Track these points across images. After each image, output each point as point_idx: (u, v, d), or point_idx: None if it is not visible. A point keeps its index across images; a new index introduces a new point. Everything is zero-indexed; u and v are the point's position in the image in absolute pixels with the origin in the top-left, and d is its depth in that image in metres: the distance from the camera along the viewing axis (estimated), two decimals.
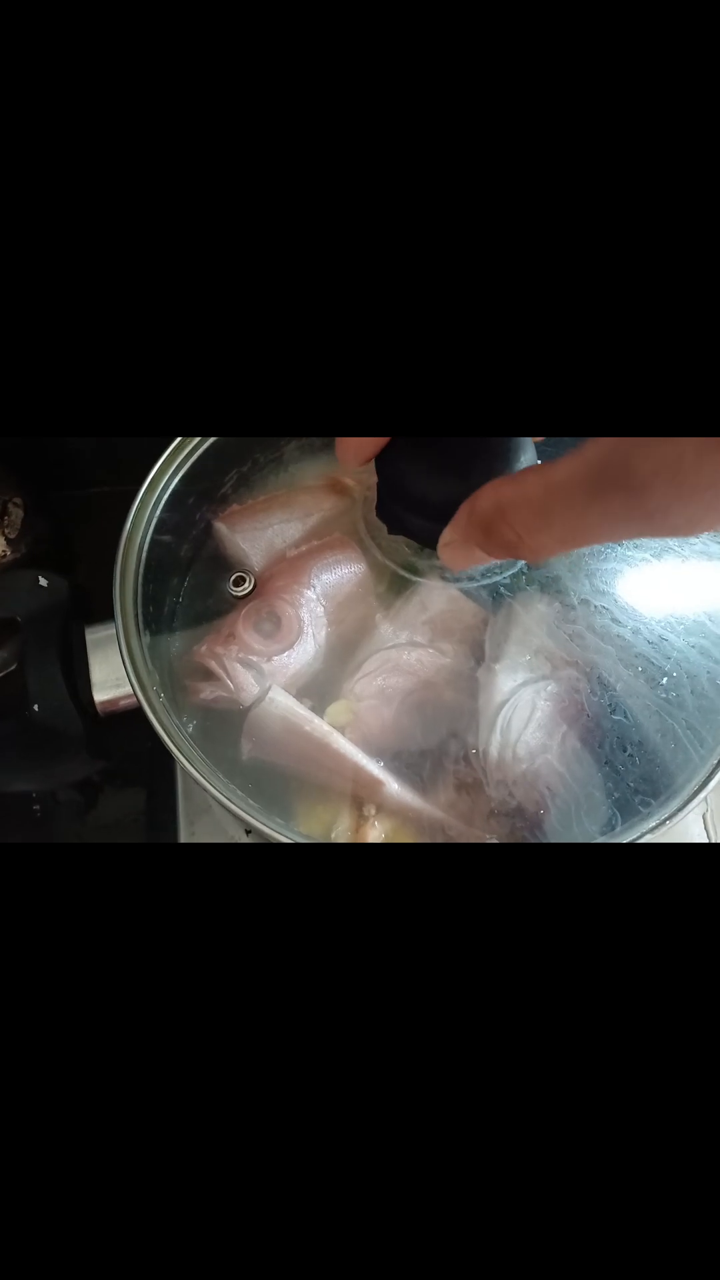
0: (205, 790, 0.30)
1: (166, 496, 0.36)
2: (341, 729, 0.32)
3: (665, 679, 0.32)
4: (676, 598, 0.34)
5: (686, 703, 0.32)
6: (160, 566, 0.35)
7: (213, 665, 0.32)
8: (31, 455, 0.51)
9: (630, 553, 0.34)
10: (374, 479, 0.30)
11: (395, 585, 0.34)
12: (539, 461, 0.30)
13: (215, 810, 0.39)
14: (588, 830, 0.31)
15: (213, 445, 0.37)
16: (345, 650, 0.33)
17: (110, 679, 0.35)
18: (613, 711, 0.32)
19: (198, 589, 0.35)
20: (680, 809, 0.30)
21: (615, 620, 0.33)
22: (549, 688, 0.32)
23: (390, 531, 0.32)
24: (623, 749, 0.31)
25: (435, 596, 0.33)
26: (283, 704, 0.32)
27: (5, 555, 0.47)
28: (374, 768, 0.31)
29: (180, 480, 0.37)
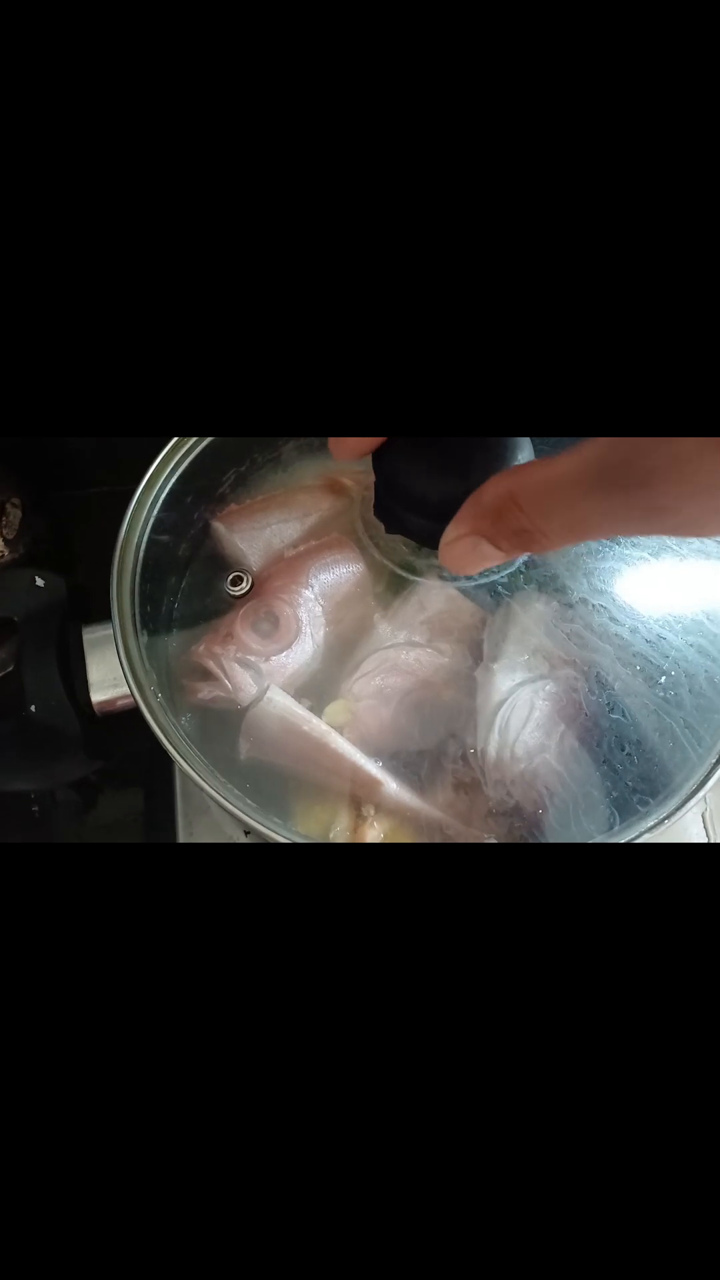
0: (203, 791, 0.30)
1: (164, 496, 0.36)
2: (340, 729, 0.32)
3: (663, 678, 0.32)
4: (674, 596, 0.34)
5: (684, 702, 0.32)
6: (158, 566, 0.35)
7: (210, 665, 0.32)
8: (31, 455, 0.51)
9: (628, 551, 0.34)
10: (372, 478, 0.30)
11: (393, 585, 0.34)
12: (536, 458, 0.30)
13: (214, 810, 0.39)
14: (586, 830, 0.31)
15: (211, 445, 0.37)
16: (343, 650, 0.33)
17: (108, 679, 0.35)
18: (611, 711, 0.32)
19: (195, 589, 0.35)
20: (679, 808, 0.30)
21: (613, 619, 0.33)
22: (547, 687, 0.32)
23: (388, 530, 0.32)
24: (621, 748, 0.31)
25: (433, 596, 0.33)
26: (281, 704, 0.32)
27: (3, 555, 0.47)
28: (372, 767, 0.31)
29: (178, 480, 0.37)
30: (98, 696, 0.35)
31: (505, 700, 0.32)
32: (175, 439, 0.37)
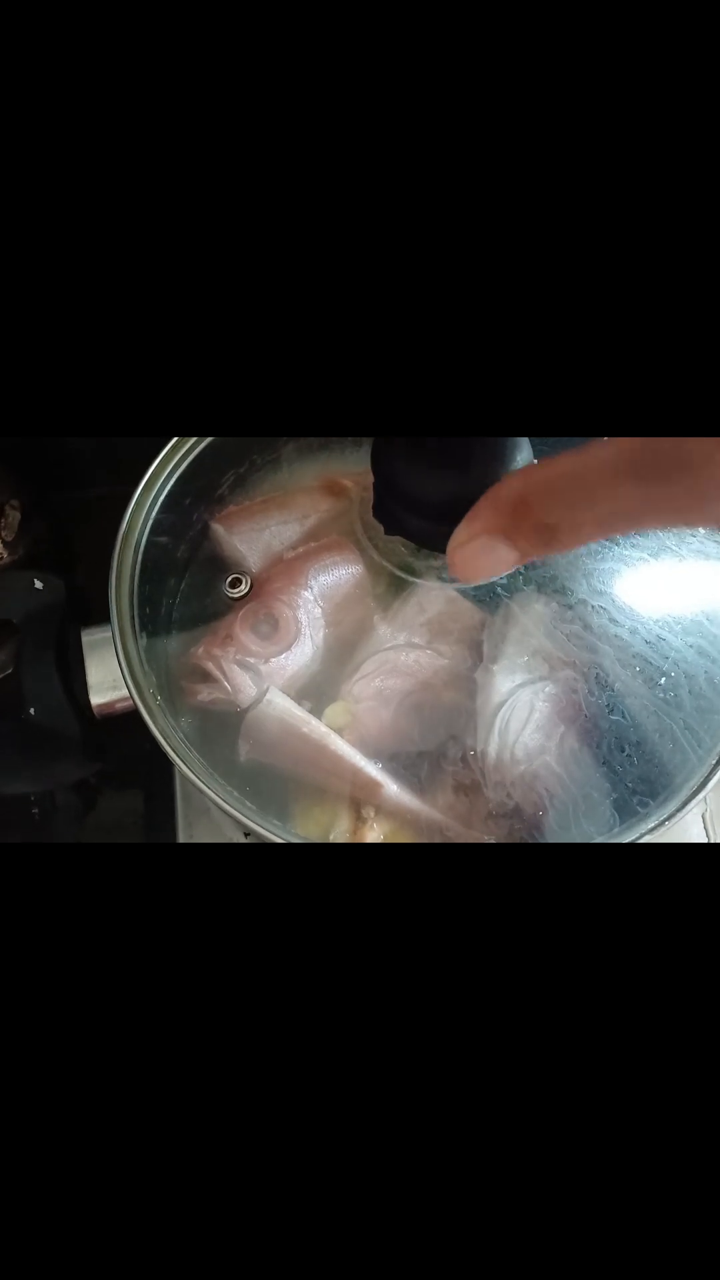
0: (203, 793, 0.30)
1: (163, 498, 0.36)
2: (339, 730, 0.32)
3: (663, 679, 0.32)
4: (674, 597, 0.34)
5: (684, 703, 0.32)
6: (157, 568, 0.35)
7: (210, 667, 0.32)
8: (31, 456, 0.51)
9: (627, 552, 0.34)
10: (371, 479, 0.30)
11: (393, 586, 0.34)
12: (535, 460, 0.30)
13: (214, 813, 0.39)
14: (586, 832, 0.30)
15: (210, 446, 0.37)
16: (343, 652, 0.33)
17: (107, 681, 0.35)
18: (611, 712, 0.32)
19: (195, 590, 0.35)
20: (679, 810, 0.30)
21: (613, 620, 0.33)
22: (547, 688, 0.32)
23: (387, 532, 0.32)
24: (621, 750, 0.31)
25: (433, 598, 0.33)
26: (280, 706, 0.32)
27: (2, 557, 0.47)
28: (372, 769, 0.31)
29: (177, 481, 0.37)
30: (97, 699, 0.35)
31: (505, 702, 0.32)
32: (174, 441, 0.37)
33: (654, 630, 0.32)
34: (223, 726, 0.32)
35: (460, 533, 0.23)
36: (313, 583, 0.34)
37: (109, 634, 0.33)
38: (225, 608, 0.34)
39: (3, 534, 0.47)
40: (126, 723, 0.33)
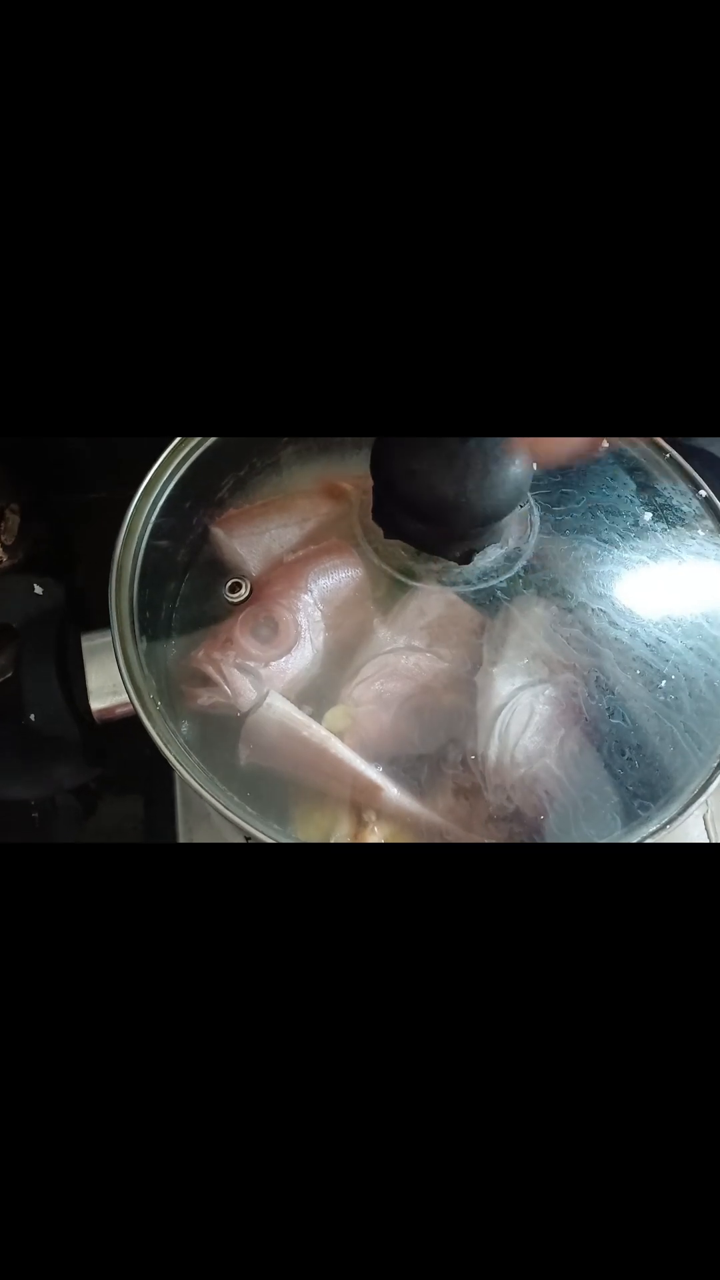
0: (203, 798, 0.30)
1: (163, 502, 0.36)
2: (340, 734, 0.31)
3: (664, 682, 0.32)
4: (674, 600, 0.34)
5: (684, 706, 0.32)
6: (157, 572, 0.35)
7: (210, 671, 0.32)
8: (31, 458, 0.51)
9: (627, 555, 0.34)
10: (370, 483, 0.30)
11: (393, 589, 0.34)
12: (534, 465, 0.30)
13: (214, 817, 0.39)
14: (587, 835, 0.30)
15: (209, 450, 0.37)
16: (343, 655, 0.33)
17: (107, 686, 0.35)
18: (611, 715, 0.32)
19: (194, 594, 0.35)
20: (680, 813, 0.30)
21: (613, 623, 0.33)
22: (547, 691, 0.32)
23: (386, 535, 0.32)
24: (621, 753, 0.31)
25: (433, 601, 0.33)
26: (280, 709, 0.32)
27: (2, 561, 0.47)
28: (372, 773, 0.31)
29: (176, 485, 0.37)
30: (97, 704, 0.35)
31: (505, 705, 0.32)
32: (174, 443, 0.37)
33: (654, 633, 0.32)
34: (223, 731, 0.32)
35: None
36: (313, 586, 0.34)
37: (109, 639, 0.33)
38: (225, 612, 0.34)
39: (2, 538, 0.47)
40: (126, 727, 0.33)
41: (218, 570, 0.36)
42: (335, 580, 0.34)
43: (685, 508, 0.36)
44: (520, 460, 0.28)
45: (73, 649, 0.36)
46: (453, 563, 0.33)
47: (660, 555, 0.34)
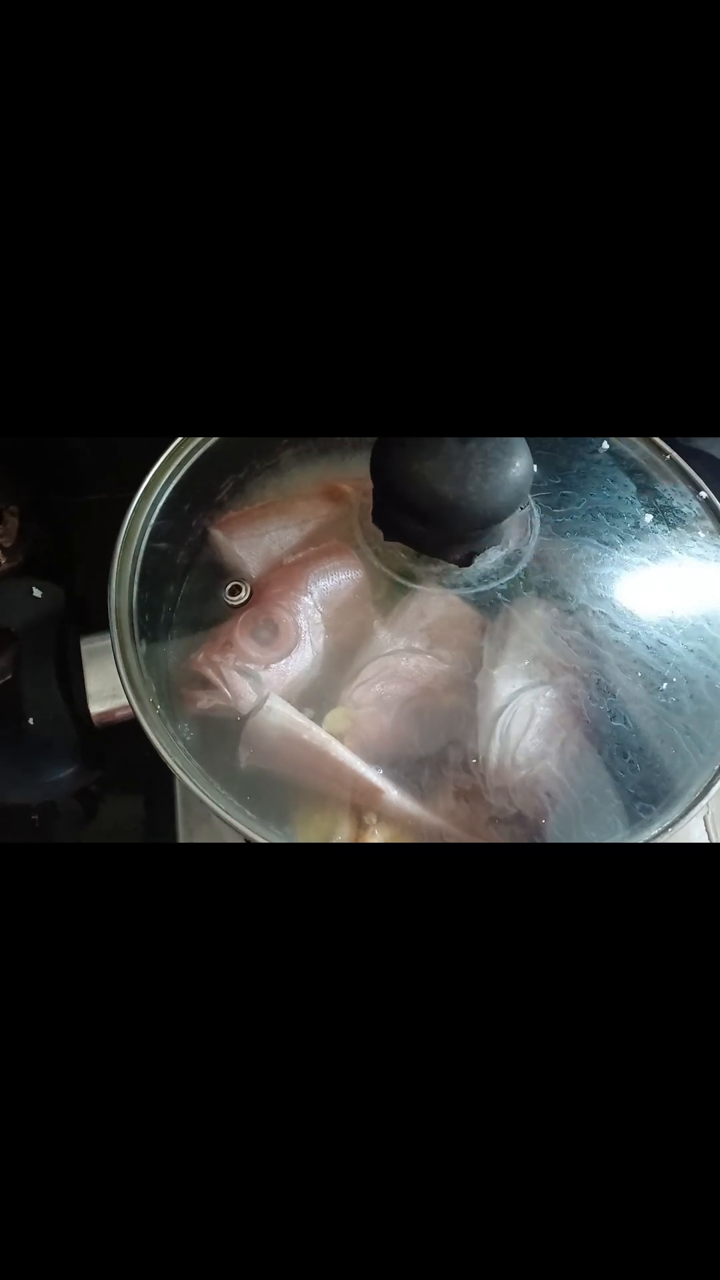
0: (203, 801, 0.30)
1: (162, 504, 0.36)
2: (340, 737, 0.31)
3: (665, 684, 0.32)
4: (674, 602, 0.34)
5: (685, 708, 0.32)
6: (156, 574, 0.35)
7: (210, 674, 0.32)
8: (31, 459, 0.50)
9: (627, 557, 0.34)
10: (370, 485, 0.30)
11: (393, 592, 0.34)
12: (534, 464, 0.30)
13: (214, 820, 0.39)
14: (588, 838, 0.30)
15: (208, 452, 0.37)
16: (343, 657, 0.33)
17: (107, 689, 0.35)
18: (612, 717, 0.32)
19: (194, 597, 0.35)
20: (682, 816, 0.30)
21: (613, 625, 0.33)
22: (548, 693, 0.32)
23: (386, 538, 0.32)
24: (623, 755, 0.31)
25: (433, 603, 0.33)
26: (281, 712, 0.32)
27: (1, 564, 0.47)
28: (373, 775, 0.31)
29: (176, 487, 0.37)
30: (96, 708, 0.35)
31: (506, 707, 0.31)
32: (174, 445, 0.37)
33: (654, 635, 0.32)
34: (223, 734, 0.32)
35: None
36: (312, 588, 0.34)
37: (108, 642, 0.33)
38: (225, 614, 0.34)
39: (2, 540, 0.47)
40: (126, 731, 0.33)
41: (217, 572, 0.35)
42: (335, 582, 0.34)
43: (685, 509, 0.36)
44: (520, 462, 0.28)
45: (72, 652, 0.36)
46: (453, 565, 0.33)
47: (661, 557, 0.34)
